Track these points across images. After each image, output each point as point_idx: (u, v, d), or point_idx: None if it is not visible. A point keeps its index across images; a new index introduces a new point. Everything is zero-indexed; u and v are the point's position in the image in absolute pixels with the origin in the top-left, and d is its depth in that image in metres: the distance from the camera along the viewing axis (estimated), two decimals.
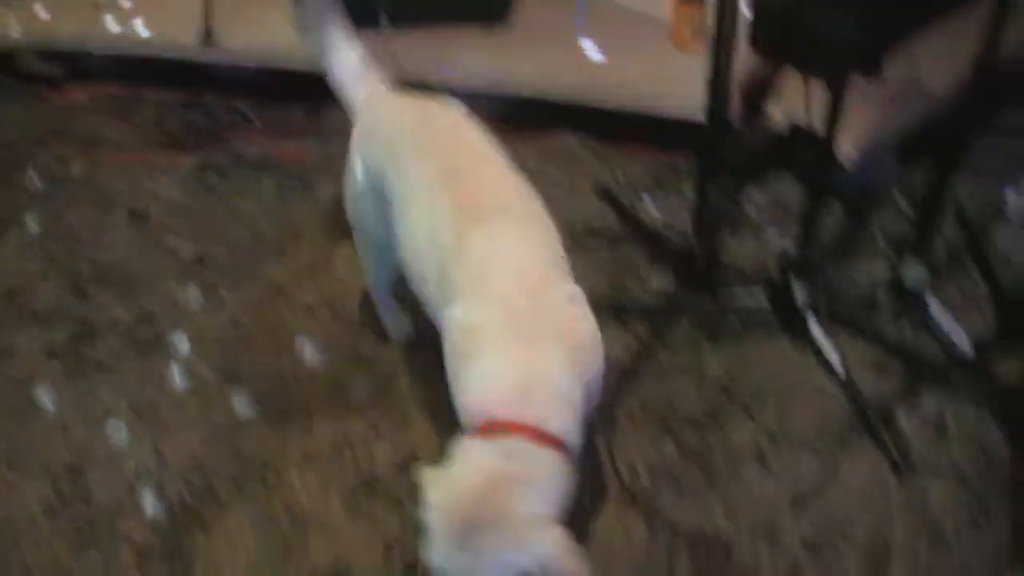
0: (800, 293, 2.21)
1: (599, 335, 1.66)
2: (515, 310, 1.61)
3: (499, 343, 1.59)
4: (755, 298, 2.32)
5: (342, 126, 2.08)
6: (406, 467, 2.11)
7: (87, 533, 2.09)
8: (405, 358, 2.33)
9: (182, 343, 2.43)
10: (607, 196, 2.63)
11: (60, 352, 2.45)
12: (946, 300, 2.32)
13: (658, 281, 2.42)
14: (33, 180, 2.98)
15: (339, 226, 2.42)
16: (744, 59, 2.01)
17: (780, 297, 2.25)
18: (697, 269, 2.32)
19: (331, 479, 2.14)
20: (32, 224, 2.81)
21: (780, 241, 2.49)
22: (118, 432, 2.26)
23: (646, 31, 2.85)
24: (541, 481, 1.52)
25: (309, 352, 2.38)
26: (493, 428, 1.54)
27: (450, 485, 1.51)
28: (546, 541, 1.45)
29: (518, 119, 2.63)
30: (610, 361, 1.72)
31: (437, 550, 1.48)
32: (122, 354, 2.43)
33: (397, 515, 2.04)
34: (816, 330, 2.22)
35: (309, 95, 2.84)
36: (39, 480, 2.18)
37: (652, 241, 2.48)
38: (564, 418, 1.56)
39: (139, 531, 2.09)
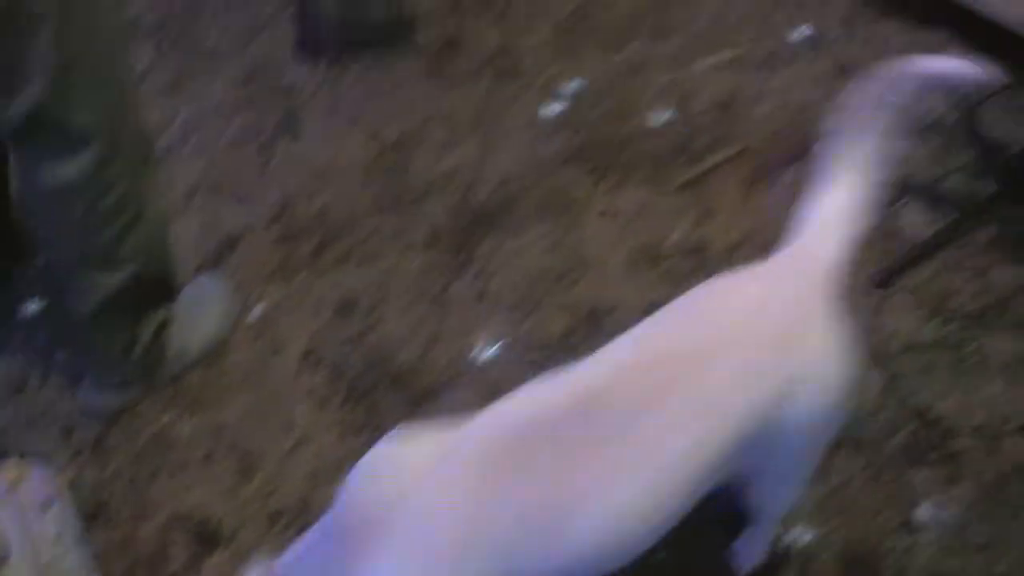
0: None
1: None
2: None
3: None
4: None
5: None
6: (692, 254, 2.29)
7: (393, 200, 2.41)
8: None
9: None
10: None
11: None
12: None
13: (981, 184, 2.44)
14: None
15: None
16: None
17: None
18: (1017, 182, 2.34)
19: (622, 237, 2.35)
20: None
21: None
22: (453, 131, 2.53)
23: None
24: None
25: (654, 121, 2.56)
26: None
27: None
28: None
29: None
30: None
31: None
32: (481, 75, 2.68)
33: (669, 286, 2.22)
34: None
35: None
36: (369, 141, 2.49)
37: (985, 145, 2.49)
38: None
39: (440, 215, 2.38)
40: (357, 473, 1.32)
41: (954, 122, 2.53)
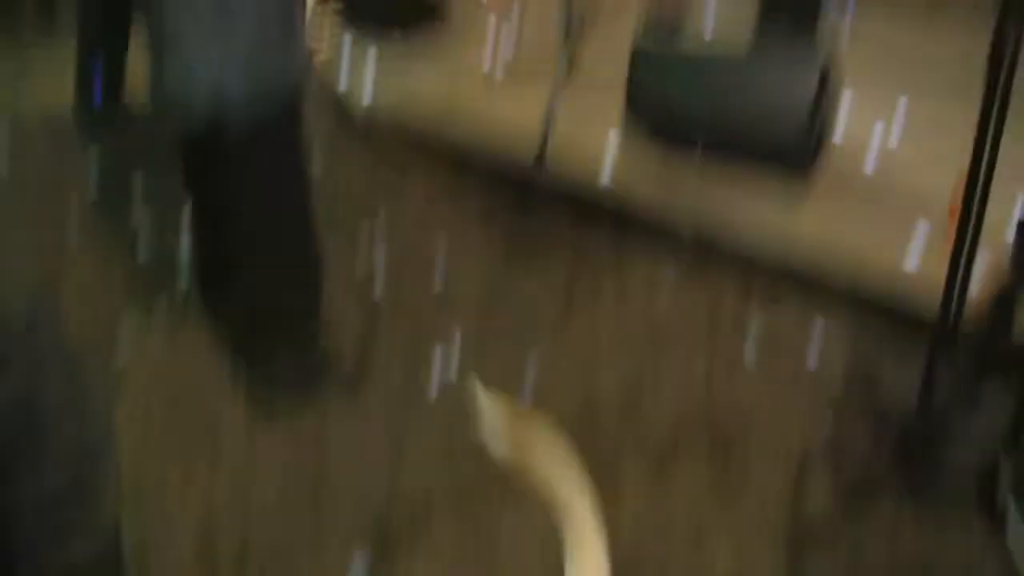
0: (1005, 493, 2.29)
1: None
2: None
3: None
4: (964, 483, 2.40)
5: None
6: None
7: (311, 517, 2.45)
8: None
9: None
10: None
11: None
12: None
13: (882, 449, 2.51)
14: None
15: None
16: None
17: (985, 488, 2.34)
18: (914, 447, 2.43)
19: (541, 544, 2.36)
20: None
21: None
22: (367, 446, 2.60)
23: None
24: None
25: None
26: None
27: None
28: None
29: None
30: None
31: None
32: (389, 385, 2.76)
33: None
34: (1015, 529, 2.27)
35: None
36: (289, 455, 2.56)
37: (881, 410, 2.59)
38: None
39: (356, 532, 2.41)
40: None
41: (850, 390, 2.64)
